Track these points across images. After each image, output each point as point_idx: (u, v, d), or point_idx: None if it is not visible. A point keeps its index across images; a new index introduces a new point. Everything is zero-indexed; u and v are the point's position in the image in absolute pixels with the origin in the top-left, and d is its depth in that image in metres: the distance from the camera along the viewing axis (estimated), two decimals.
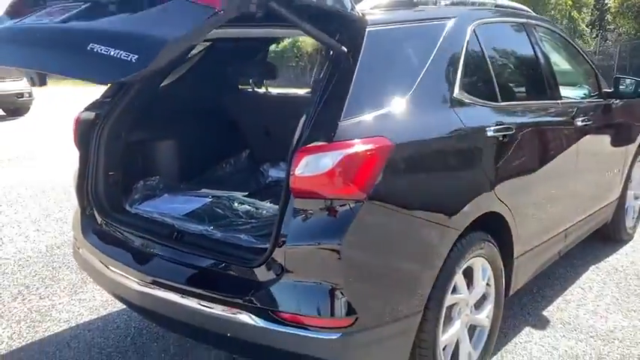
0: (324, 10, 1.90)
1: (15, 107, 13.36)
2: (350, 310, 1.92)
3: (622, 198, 4.21)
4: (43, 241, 4.42)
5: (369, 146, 1.93)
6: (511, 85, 3.02)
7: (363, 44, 2.09)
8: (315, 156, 1.88)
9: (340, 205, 1.90)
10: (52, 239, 4.47)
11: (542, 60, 3.19)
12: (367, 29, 2.13)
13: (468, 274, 2.47)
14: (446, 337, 2.35)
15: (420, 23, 2.44)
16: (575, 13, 22.27)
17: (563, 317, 3.27)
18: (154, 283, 2.24)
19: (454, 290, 2.35)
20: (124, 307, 3.27)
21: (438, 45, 2.40)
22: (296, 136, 1.95)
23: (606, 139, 3.80)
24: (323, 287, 1.92)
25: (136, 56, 1.49)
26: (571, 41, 3.92)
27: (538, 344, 2.97)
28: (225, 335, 2.08)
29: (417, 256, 2.12)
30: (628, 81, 3.82)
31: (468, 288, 2.48)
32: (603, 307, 3.40)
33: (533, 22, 3.32)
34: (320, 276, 1.92)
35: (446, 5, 2.68)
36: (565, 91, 3.59)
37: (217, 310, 2.06)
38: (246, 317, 1.99)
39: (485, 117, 2.52)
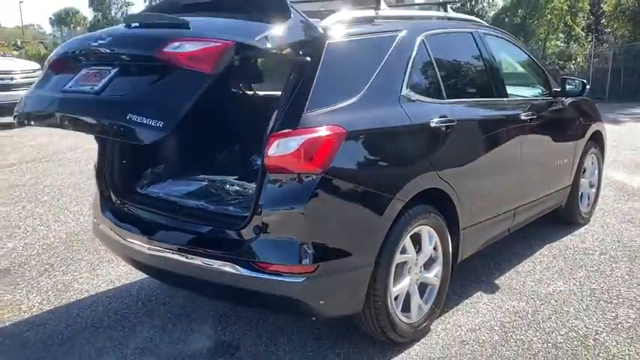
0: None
1: None
2: (312, 260, 2.48)
3: (575, 185, 4.75)
4: (63, 230, 5.00)
5: (327, 132, 2.50)
6: (456, 85, 3.57)
7: (323, 54, 2.65)
8: (284, 140, 2.45)
9: (303, 179, 2.47)
10: (71, 228, 5.05)
11: (488, 63, 3.75)
12: (327, 42, 2.70)
13: (417, 239, 3.03)
14: (397, 289, 2.90)
15: (373, 35, 3.01)
16: (569, 19, 22.80)
17: (511, 284, 3.81)
18: (161, 246, 2.81)
19: (403, 251, 2.90)
20: (136, 279, 3.87)
21: (389, 53, 2.97)
22: (270, 126, 2.52)
23: (554, 132, 4.34)
24: (291, 242, 2.49)
25: (162, 122, 2.22)
26: (522, 48, 4.48)
27: (486, 304, 3.51)
28: (217, 283, 2.65)
29: (366, 219, 2.68)
30: (574, 81, 4.39)
31: (417, 251, 3.03)
32: (548, 276, 3.93)
33: (483, 31, 3.88)
34: (289, 234, 2.49)
35: (399, 20, 3.24)
36: (516, 90, 4.17)
37: (211, 264, 2.62)
38: (232, 268, 2.55)
39: (430, 111, 3.08)
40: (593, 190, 5.19)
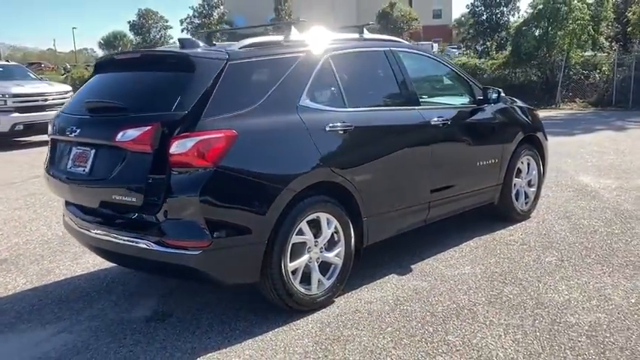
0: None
1: None
2: (206, 237, 3.13)
3: (507, 184, 5.25)
4: (61, 229, 5.77)
5: (218, 135, 3.15)
6: (359, 95, 4.13)
7: (224, 73, 3.32)
8: (182, 141, 3.11)
9: (198, 172, 3.13)
10: None
11: (398, 76, 4.32)
12: (228, 63, 3.37)
13: (317, 224, 3.63)
14: (294, 264, 3.50)
15: (276, 56, 3.66)
16: (591, 28, 22.79)
17: (424, 268, 4.34)
18: (100, 230, 3.50)
19: (300, 233, 3.51)
20: (108, 266, 4.55)
21: (290, 70, 3.62)
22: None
23: (475, 135, 4.88)
24: (190, 223, 3.15)
25: (134, 199, 3.29)
26: (445, 63, 5.05)
27: (392, 284, 4.06)
28: (139, 257, 3.31)
29: (257, 205, 3.30)
30: (491, 90, 4.93)
31: (317, 234, 3.63)
32: (461, 262, 4.45)
33: (398, 49, 4.46)
34: (188, 216, 3.16)
35: (308, 43, 3.87)
36: (439, 99, 4.75)
37: (135, 242, 3.29)
38: (148, 245, 3.22)
39: (327, 118, 3.69)
40: (533, 189, 5.65)
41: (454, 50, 37.61)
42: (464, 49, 35.11)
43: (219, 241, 3.17)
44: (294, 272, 3.53)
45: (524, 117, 5.51)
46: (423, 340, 3.25)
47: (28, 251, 5.12)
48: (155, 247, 3.20)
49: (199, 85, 3.28)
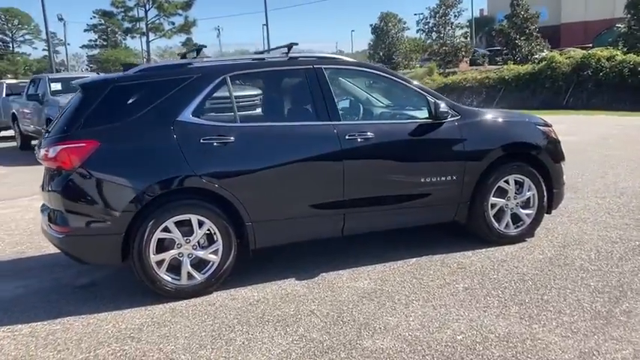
0: None
1: None
2: (67, 224, 3.98)
3: (477, 204, 4.95)
4: None
5: (79, 144, 3.96)
6: (258, 111, 4.47)
7: (104, 93, 4.10)
8: (53, 147, 4.01)
9: (62, 172, 3.98)
10: None
11: (315, 93, 4.51)
12: (113, 85, 4.14)
13: (188, 224, 4.16)
14: (160, 256, 4.10)
15: (165, 78, 4.28)
16: None
17: (330, 278, 4.45)
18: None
19: (167, 230, 4.10)
20: None
21: (175, 90, 4.21)
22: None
23: (418, 151, 4.75)
24: (58, 212, 4.03)
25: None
26: (397, 79, 4.97)
27: (276, 288, 4.34)
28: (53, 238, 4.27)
29: (114, 202, 3.99)
30: (443, 105, 4.72)
31: (191, 234, 4.16)
32: (366, 277, 4.46)
33: (326, 66, 4.62)
34: (57, 207, 4.04)
35: (206, 65, 4.40)
36: (376, 114, 4.82)
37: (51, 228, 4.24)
38: (47, 227, 4.19)
39: (203, 132, 4.18)
40: (528, 211, 5.15)
41: None
42: None
43: (78, 228, 3.99)
44: (159, 263, 4.13)
45: (504, 133, 5.08)
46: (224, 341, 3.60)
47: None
48: (48, 230, 4.17)
49: (85, 105, 4.13)
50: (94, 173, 3.99)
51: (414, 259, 4.82)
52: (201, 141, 4.16)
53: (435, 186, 4.82)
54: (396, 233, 5.29)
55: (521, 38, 35.45)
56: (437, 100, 4.76)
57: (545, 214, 5.30)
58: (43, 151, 4.15)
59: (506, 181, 5.06)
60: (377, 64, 5.20)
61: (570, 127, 13.57)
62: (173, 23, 49.85)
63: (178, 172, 4.12)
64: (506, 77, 27.99)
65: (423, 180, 4.78)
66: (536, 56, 33.68)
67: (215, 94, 4.34)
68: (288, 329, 3.63)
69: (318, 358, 3.26)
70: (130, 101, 4.23)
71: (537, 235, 5.30)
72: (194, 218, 4.17)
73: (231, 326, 3.72)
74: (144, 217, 4.04)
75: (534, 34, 35.67)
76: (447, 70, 35.78)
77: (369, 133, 4.56)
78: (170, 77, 4.31)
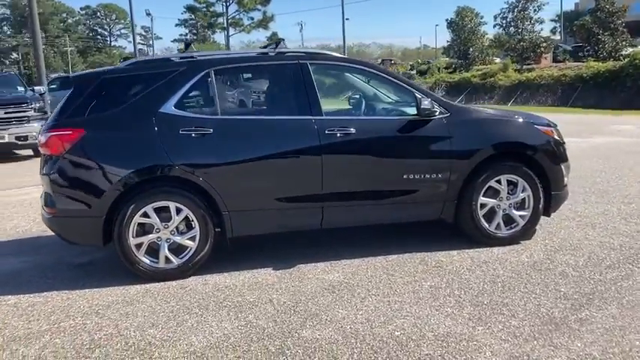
0: None
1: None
2: (54, 205, 4.29)
3: (465, 202, 4.87)
4: None
5: (66, 132, 4.26)
6: (239, 104, 4.60)
7: (93, 85, 4.39)
8: (44, 134, 4.33)
9: (52, 158, 4.30)
10: None
11: (299, 88, 4.60)
12: (102, 77, 4.42)
13: (167, 210, 4.39)
14: (138, 240, 4.35)
15: (151, 71, 4.51)
16: None
17: (292, 271, 4.52)
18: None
19: (146, 216, 4.34)
20: None
21: (160, 83, 4.44)
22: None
23: (401, 147, 4.73)
24: (48, 194, 4.36)
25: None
26: (385, 75, 4.95)
27: (251, 277, 4.48)
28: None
29: (96, 187, 4.26)
30: (428, 103, 4.68)
31: (169, 220, 4.39)
32: (340, 270, 4.52)
33: (312, 62, 4.71)
34: (47, 189, 4.36)
35: (190, 59, 4.59)
36: (361, 109, 4.87)
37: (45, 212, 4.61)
38: (45, 212, 4.54)
39: (183, 123, 4.38)
40: (523, 213, 5.01)
41: None
42: None
43: (63, 210, 4.30)
44: (138, 246, 4.38)
45: (496, 132, 4.95)
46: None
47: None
48: (42, 211, 4.53)
49: (76, 96, 4.44)
50: (79, 159, 4.29)
51: (396, 255, 4.83)
52: (181, 132, 4.37)
53: (418, 183, 4.78)
54: (396, 229, 5.35)
55: (605, 33, 33.54)
56: (422, 97, 4.72)
57: (550, 217, 5.15)
58: (39, 138, 4.51)
59: (498, 181, 4.94)
60: (364, 60, 5.15)
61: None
62: (252, 18, 51.19)
63: (157, 161, 4.35)
64: (584, 75, 26.73)
65: (405, 177, 4.76)
66: (623, 52, 31.88)
67: (197, 88, 4.53)
68: (239, 315, 3.77)
69: (254, 343, 3.37)
70: (117, 93, 4.49)
71: (535, 238, 5.16)
72: (172, 205, 4.39)
73: (189, 309, 3.90)
74: (124, 202, 4.30)
75: (620, 28, 33.64)
76: (524, 67, 34.46)
77: (350, 129, 4.60)
78: (156, 71, 4.54)
